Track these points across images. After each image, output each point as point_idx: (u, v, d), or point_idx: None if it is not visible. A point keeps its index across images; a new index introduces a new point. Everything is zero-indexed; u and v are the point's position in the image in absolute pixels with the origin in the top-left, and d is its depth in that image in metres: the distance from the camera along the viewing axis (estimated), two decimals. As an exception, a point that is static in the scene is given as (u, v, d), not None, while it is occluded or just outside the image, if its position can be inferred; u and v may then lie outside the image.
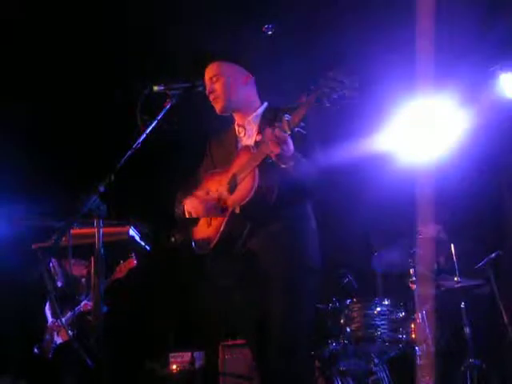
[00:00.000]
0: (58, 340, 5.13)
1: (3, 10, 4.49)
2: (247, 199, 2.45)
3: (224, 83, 2.70)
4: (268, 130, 2.31)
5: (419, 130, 5.16)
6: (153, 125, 2.37)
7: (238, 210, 2.50)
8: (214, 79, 2.71)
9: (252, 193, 2.43)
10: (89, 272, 5.14)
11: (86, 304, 5.04)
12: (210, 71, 2.75)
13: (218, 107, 2.73)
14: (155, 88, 2.46)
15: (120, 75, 4.94)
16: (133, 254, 5.15)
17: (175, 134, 2.50)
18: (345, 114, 5.16)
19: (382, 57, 4.64)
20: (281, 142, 2.27)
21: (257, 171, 2.44)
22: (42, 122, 5.41)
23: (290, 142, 2.29)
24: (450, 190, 4.83)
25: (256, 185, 2.43)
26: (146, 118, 2.38)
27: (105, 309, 5.14)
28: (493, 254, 4.49)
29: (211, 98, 2.72)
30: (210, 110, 2.81)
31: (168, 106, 2.43)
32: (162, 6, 4.61)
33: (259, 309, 2.54)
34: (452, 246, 4.49)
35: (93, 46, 4.92)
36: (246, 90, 2.75)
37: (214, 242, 2.59)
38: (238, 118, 2.79)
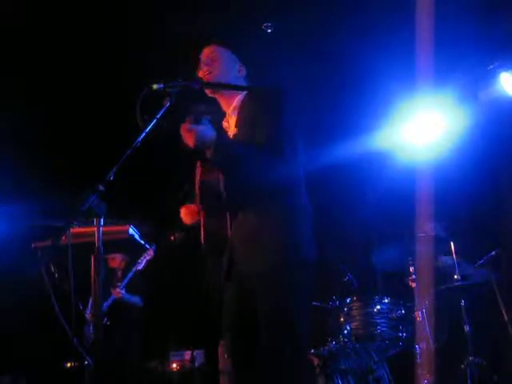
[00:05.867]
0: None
1: (3, 16, 4.50)
2: (198, 197, 2.53)
3: (222, 63, 2.70)
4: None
5: (419, 128, 5.16)
6: (152, 123, 2.36)
7: (202, 218, 2.58)
8: (213, 56, 2.71)
9: (197, 190, 2.53)
10: (126, 264, 5.46)
11: (116, 291, 5.21)
12: (208, 51, 2.74)
13: (207, 79, 2.68)
14: (154, 86, 2.45)
15: (120, 76, 4.94)
16: (153, 245, 5.28)
17: (175, 133, 2.49)
18: (344, 113, 5.20)
19: (381, 55, 4.65)
20: (187, 133, 2.32)
21: (199, 169, 2.55)
22: (42, 122, 5.41)
23: (198, 129, 2.30)
24: (450, 187, 4.83)
25: (198, 182, 2.53)
26: (145, 116, 2.37)
27: (136, 300, 5.45)
28: (493, 252, 4.49)
29: (205, 69, 2.68)
30: (208, 108, 2.81)
31: (168, 105, 2.42)
32: (162, 4, 4.61)
33: (245, 307, 2.48)
34: (452, 243, 4.49)
35: (92, 46, 4.93)
36: (238, 82, 2.73)
37: (204, 246, 2.61)
38: (224, 108, 2.76)
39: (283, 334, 2.34)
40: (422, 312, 4.31)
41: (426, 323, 4.27)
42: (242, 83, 2.74)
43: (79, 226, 2.30)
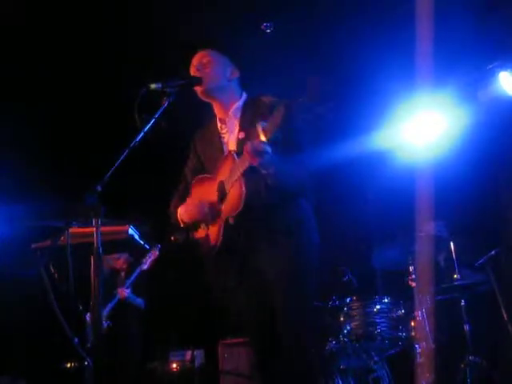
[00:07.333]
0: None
1: (3, 16, 4.51)
2: (238, 210, 2.52)
3: (214, 67, 2.73)
4: (247, 144, 2.38)
5: (418, 128, 5.16)
6: (150, 123, 2.37)
7: (231, 221, 2.57)
8: (205, 61, 2.74)
9: (242, 203, 2.50)
10: (129, 265, 5.44)
11: (121, 291, 5.20)
12: (199, 56, 2.78)
13: (201, 88, 2.71)
14: (152, 86, 2.47)
15: (119, 76, 4.94)
16: (157, 245, 5.27)
17: (173, 132, 2.50)
18: (343, 113, 5.19)
19: (381, 55, 4.64)
20: (257, 153, 2.34)
21: (243, 180, 2.49)
22: (41, 122, 5.41)
23: (268, 149, 2.34)
24: (449, 187, 4.83)
25: (244, 195, 2.50)
26: (143, 116, 2.38)
27: (140, 301, 5.47)
28: (492, 251, 4.49)
29: (198, 75, 2.71)
30: (207, 107, 2.83)
31: (165, 104, 2.44)
32: (162, 6, 4.61)
33: (262, 308, 2.60)
34: (451, 243, 4.49)
35: (92, 46, 4.93)
36: (231, 84, 2.78)
37: (217, 249, 2.63)
38: (218, 112, 2.80)
39: (303, 331, 2.53)
40: (422, 311, 4.31)
41: (426, 323, 4.26)
42: (235, 86, 2.79)
43: (78, 227, 2.30)
